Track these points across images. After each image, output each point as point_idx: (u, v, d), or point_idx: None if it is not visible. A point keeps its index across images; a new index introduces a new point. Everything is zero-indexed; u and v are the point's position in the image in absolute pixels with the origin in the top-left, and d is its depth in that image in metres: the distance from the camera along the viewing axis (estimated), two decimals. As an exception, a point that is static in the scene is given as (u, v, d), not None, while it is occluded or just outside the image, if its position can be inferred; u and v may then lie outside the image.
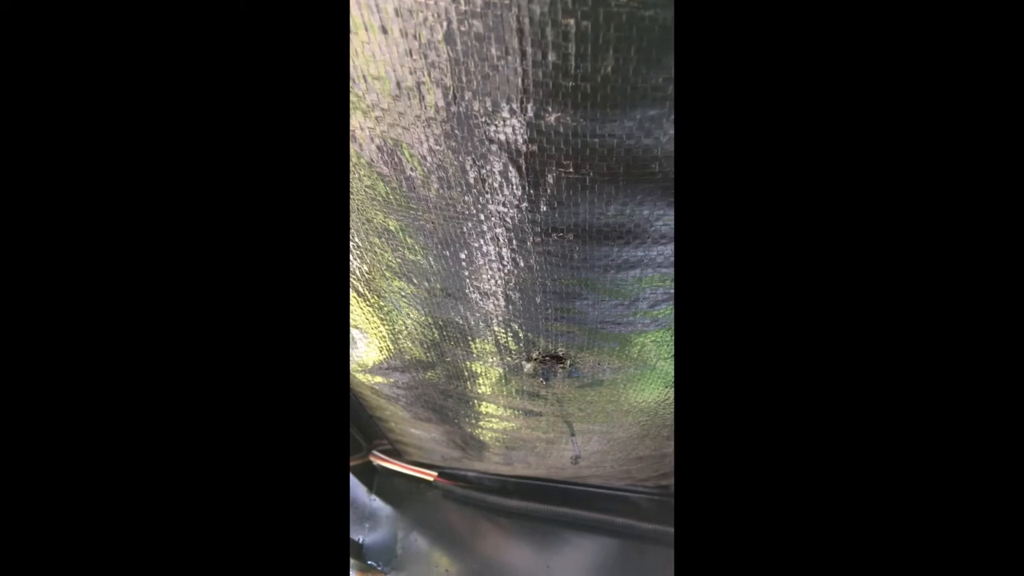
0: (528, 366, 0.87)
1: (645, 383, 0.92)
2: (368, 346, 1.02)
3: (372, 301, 0.85)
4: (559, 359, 0.85)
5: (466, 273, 0.70)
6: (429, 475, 1.94)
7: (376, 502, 2.03)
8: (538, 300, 0.71)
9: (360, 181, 0.60)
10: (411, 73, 0.46)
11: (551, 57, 0.42)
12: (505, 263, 0.66)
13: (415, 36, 0.43)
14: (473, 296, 0.75)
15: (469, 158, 0.52)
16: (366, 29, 0.43)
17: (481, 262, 0.67)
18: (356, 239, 0.70)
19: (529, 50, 0.42)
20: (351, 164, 0.58)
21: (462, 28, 0.41)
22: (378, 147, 0.54)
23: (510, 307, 0.75)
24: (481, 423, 1.25)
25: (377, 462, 1.96)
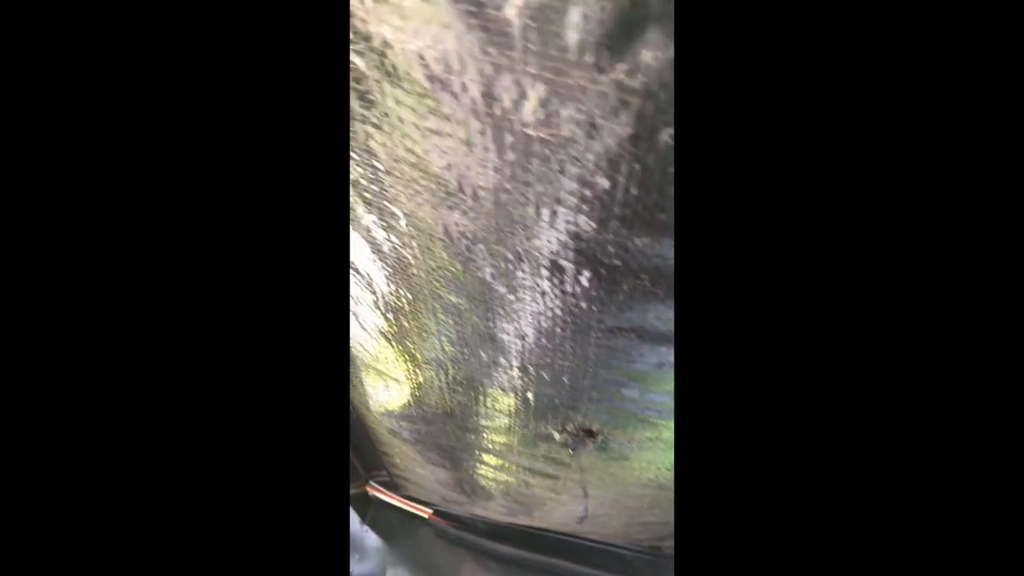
0: (559, 436, 0.89)
1: (671, 461, 0.94)
2: (399, 392, 1.03)
3: (410, 349, 0.87)
4: (592, 433, 0.87)
5: (519, 348, 0.73)
6: (424, 512, 1.91)
7: (368, 533, 2.01)
8: (586, 383, 0.74)
9: (432, 261, 0.63)
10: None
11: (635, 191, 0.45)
12: (563, 347, 0.68)
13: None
14: (515, 368, 0.78)
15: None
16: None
17: (537, 341, 0.70)
18: (423, 314, 0.73)
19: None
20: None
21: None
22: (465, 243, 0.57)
23: (557, 387, 0.77)
24: (494, 476, 1.25)
25: (373, 493, 1.95)
